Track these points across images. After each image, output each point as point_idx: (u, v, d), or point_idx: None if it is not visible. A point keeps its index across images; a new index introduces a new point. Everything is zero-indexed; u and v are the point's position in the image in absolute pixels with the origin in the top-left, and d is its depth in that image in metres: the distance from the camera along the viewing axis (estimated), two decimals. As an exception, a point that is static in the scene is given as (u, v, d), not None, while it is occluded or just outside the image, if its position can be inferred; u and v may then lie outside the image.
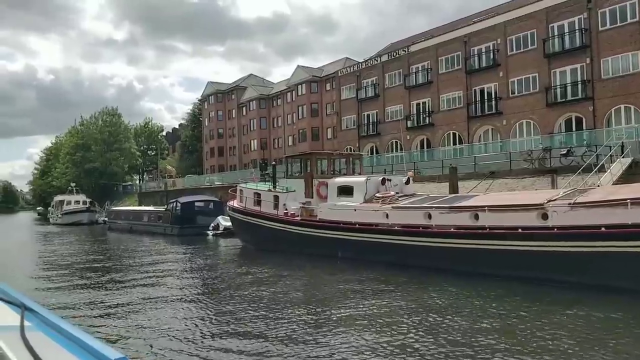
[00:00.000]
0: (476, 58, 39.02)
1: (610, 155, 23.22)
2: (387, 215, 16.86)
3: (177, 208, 33.95)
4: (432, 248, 14.94)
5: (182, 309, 11.67)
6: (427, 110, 42.62)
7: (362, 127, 48.65)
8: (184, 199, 35.23)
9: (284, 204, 21.58)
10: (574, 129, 33.32)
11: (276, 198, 22.00)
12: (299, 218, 20.28)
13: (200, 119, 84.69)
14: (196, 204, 34.71)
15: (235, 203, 25.71)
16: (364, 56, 57.66)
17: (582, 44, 32.49)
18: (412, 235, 15.61)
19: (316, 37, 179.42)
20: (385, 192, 18.75)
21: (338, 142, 51.72)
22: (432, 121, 41.88)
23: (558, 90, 34.00)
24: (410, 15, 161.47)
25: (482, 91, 38.81)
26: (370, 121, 47.93)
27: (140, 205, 57.01)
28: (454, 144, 40.45)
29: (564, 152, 24.37)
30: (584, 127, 32.62)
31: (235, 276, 16.64)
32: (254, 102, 66.40)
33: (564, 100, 33.56)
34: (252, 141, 67.42)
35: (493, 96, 37.91)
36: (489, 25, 38.13)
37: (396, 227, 16.13)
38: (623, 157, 22.24)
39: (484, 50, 38.56)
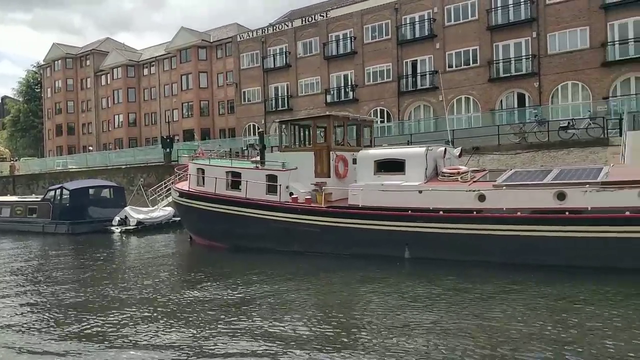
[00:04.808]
0: (408, 28, 35.99)
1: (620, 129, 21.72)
2: (483, 198, 12.24)
3: (64, 197, 24.84)
4: (589, 240, 10.76)
5: None
6: (350, 83, 38.53)
7: (269, 101, 42.78)
8: (72, 185, 26.07)
9: (287, 187, 15.57)
10: (515, 105, 32.23)
11: (272, 178, 15.85)
12: (322, 205, 14.53)
13: (37, 89, 69.84)
14: (90, 191, 25.85)
15: (186, 186, 18.65)
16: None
17: (528, 17, 31.27)
18: (548, 224, 11.24)
19: (143, 13, 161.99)
20: (454, 166, 14.10)
21: (237, 117, 45.09)
22: (356, 96, 37.98)
23: (501, 65, 32.52)
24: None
25: (414, 64, 35.96)
26: (280, 94, 42.30)
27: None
28: (382, 121, 37.11)
29: (564, 125, 22.26)
30: (527, 104, 31.67)
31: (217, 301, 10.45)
32: (120, 69, 55.53)
33: (508, 75, 32.16)
34: (116, 116, 56.51)
35: (427, 70, 35.28)
36: (424, -8, 35.26)
37: (519, 213, 11.58)
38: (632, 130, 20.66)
39: (417, 19, 35.64)
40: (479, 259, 11.98)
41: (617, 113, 25.01)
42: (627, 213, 10.44)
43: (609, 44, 28.81)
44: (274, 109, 42.39)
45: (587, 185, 10.99)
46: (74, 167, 46.06)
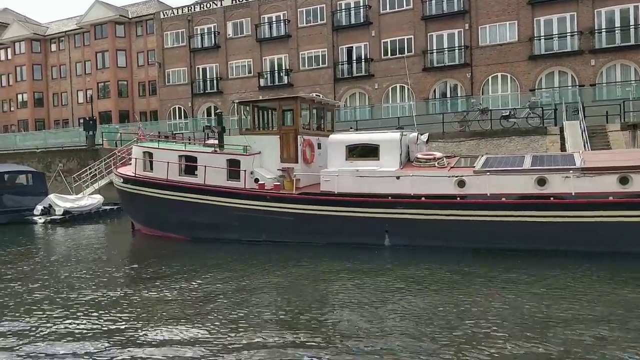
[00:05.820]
0: (344, 13, 35.71)
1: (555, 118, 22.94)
2: (462, 183, 12.21)
3: (-25, 183, 21.86)
4: (574, 225, 11.06)
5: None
6: (284, 67, 37.60)
7: (196, 82, 40.68)
8: (-16, 170, 23.00)
9: (252, 172, 14.63)
10: (448, 95, 33.21)
11: (234, 163, 14.82)
12: (294, 192, 13.81)
13: None
14: (5, 176, 22.94)
15: (128, 171, 17.01)
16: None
17: (460, 9, 32.17)
18: (534, 209, 11.40)
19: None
20: (428, 152, 13.98)
21: (160, 99, 42.48)
22: (291, 81, 37.16)
23: (435, 55, 33.26)
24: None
25: (350, 50, 35.80)
26: (208, 77, 40.36)
27: None
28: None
29: (506, 114, 23.12)
30: (459, 94, 32.74)
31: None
32: (23, 43, 50.12)
33: (441, 65, 32.96)
34: (19, 95, 51.11)
35: (363, 57, 35.27)
36: (359, -22, 35.06)
37: (503, 199, 11.64)
38: (570, 121, 21.91)
39: (353, 5, 35.46)
40: (461, 245, 11.95)
41: (542, 104, 26.48)
42: (611, 198, 10.82)
43: (535, 38, 30.39)
44: (202, 91, 40.42)
45: (571, 172, 11.24)
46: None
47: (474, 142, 23.12)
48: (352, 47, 35.65)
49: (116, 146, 30.80)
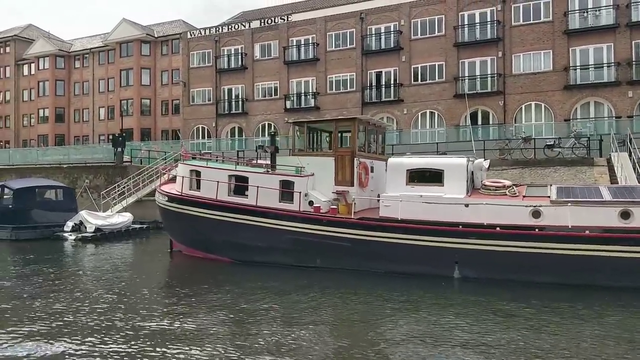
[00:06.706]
0: (374, 38, 35.58)
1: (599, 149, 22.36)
2: (537, 214, 11.56)
3: (6, 197, 21.32)
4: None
5: None
6: (311, 90, 37.34)
7: (221, 103, 40.46)
8: (16, 183, 22.50)
9: (306, 195, 14.03)
10: (479, 122, 32.74)
11: (287, 185, 14.25)
12: (352, 217, 13.17)
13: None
14: (38, 190, 22.45)
15: (174, 189, 16.45)
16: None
17: (494, 37, 31.96)
18: (622, 244, 10.72)
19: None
20: (496, 180, 13.37)
21: (184, 118, 42.24)
22: (318, 104, 36.85)
23: (467, 82, 32.92)
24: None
25: (379, 75, 35.56)
26: (234, 97, 40.15)
27: None
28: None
29: (550, 144, 22.59)
30: (490, 122, 32.28)
31: None
32: (48, 59, 50.30)
33: (473, 92, 32.58)
34: (41, 111, 51.07)
35: (392, 82, 34.99)
36: (392, 3, 35.00)
37: (587, 232, 10.96)
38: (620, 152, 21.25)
39: (383, 30, 35.36)
40: (538, 279, 11.26)
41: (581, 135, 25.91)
42: None
43: (571, 68, 30.03)
44: (226, 112, 40.16)
45: (664, 205, 10.61)
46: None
47: (517, 171, 22.49)
48: (381, 71, 35.43)
49: (141, 164, 30.42)
